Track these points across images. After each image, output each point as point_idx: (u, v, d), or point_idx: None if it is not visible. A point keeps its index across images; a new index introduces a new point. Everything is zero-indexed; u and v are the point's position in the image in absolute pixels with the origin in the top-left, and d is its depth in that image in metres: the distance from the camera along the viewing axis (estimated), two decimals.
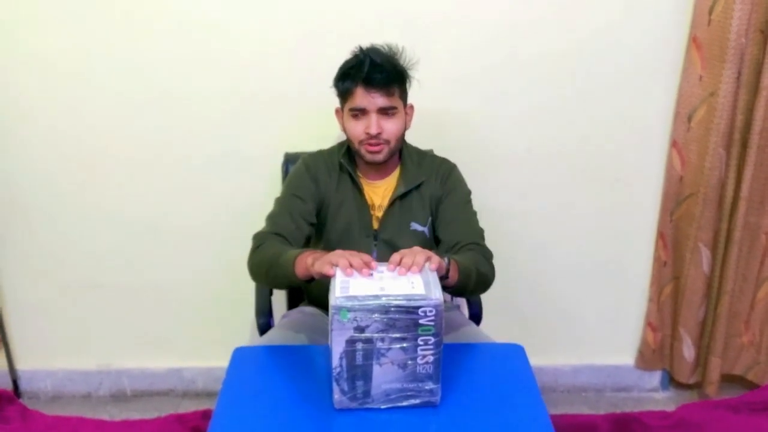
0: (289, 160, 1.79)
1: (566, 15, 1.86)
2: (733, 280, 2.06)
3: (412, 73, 1.53)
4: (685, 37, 1.88)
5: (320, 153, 1.64)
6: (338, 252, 1.20)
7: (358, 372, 1.12)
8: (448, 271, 1.28)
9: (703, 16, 1.82)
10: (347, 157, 1.60)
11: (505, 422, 1.13)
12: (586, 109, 1.97)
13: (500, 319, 1.90)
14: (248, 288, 1.69)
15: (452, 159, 1.68)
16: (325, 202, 1.58)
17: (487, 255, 1.50)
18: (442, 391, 1.14)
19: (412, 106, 1.59)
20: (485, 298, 1.68)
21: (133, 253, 2.09)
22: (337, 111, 1.60)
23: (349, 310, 1.07)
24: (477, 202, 1.64)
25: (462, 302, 1.80)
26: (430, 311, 1.06)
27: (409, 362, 1.11)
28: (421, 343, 1.09)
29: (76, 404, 2.21)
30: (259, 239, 1.49)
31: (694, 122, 1.93)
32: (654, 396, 2.30)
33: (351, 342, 1.10)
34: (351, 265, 1.15)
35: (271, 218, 1.55)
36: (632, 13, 1.87)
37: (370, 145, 1.50)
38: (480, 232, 1.56)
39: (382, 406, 1.14)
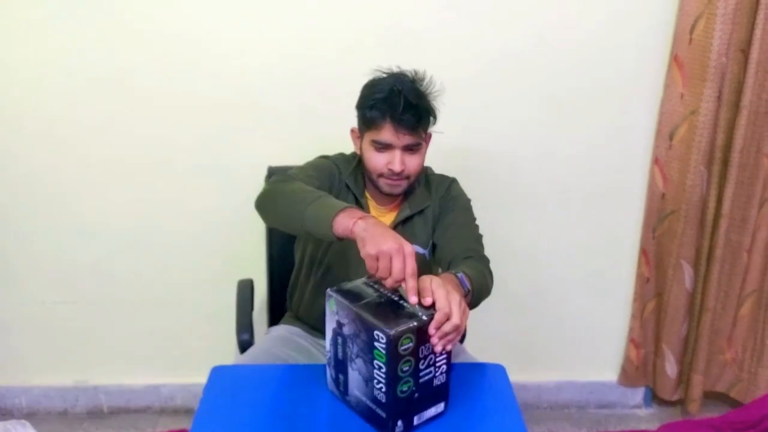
0: (273, 173, 1.75)
1: (548, 34, 1.87)
2: (715, 297, 2.07)
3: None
4: (666, 55, 1.90)
5: (335, 163, 1.52)
6: (390, 247, 1.08)
7: (340, 365, 1.15)
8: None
9: (684, 35, 1.84)
10: (353, 178, 1.51)
11: None
12: (568, 127, 1.98)
13: (483, 335, 1.89)
14: (228, 304, 1.67)
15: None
16: None
17: (486, 262, 1.46)
18: None
19: (430, 135, 1.48)
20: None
21: (110, 269, 2.06)
22: (353, 131, 1.51)
23: (335, 301, 1.11)
24: None
25: None
26: (382, 338, 1.02)
27: (368, 382, 1.09)
28: (375, 366, 1.06)
29: (51, 421, 2.16)
30: (290, 177, 1.38)
31: (675, 140, 1.95)
32: (637, 413, 2.29)
33: (335, 333, 1.13)
34: (389, 273, 1.08)
35: (301, 169, 1.44)
36: (614, 32, 1.88)
37: (391, 179, 1.42)
38: (478, 237, 1.51)
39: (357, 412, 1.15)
